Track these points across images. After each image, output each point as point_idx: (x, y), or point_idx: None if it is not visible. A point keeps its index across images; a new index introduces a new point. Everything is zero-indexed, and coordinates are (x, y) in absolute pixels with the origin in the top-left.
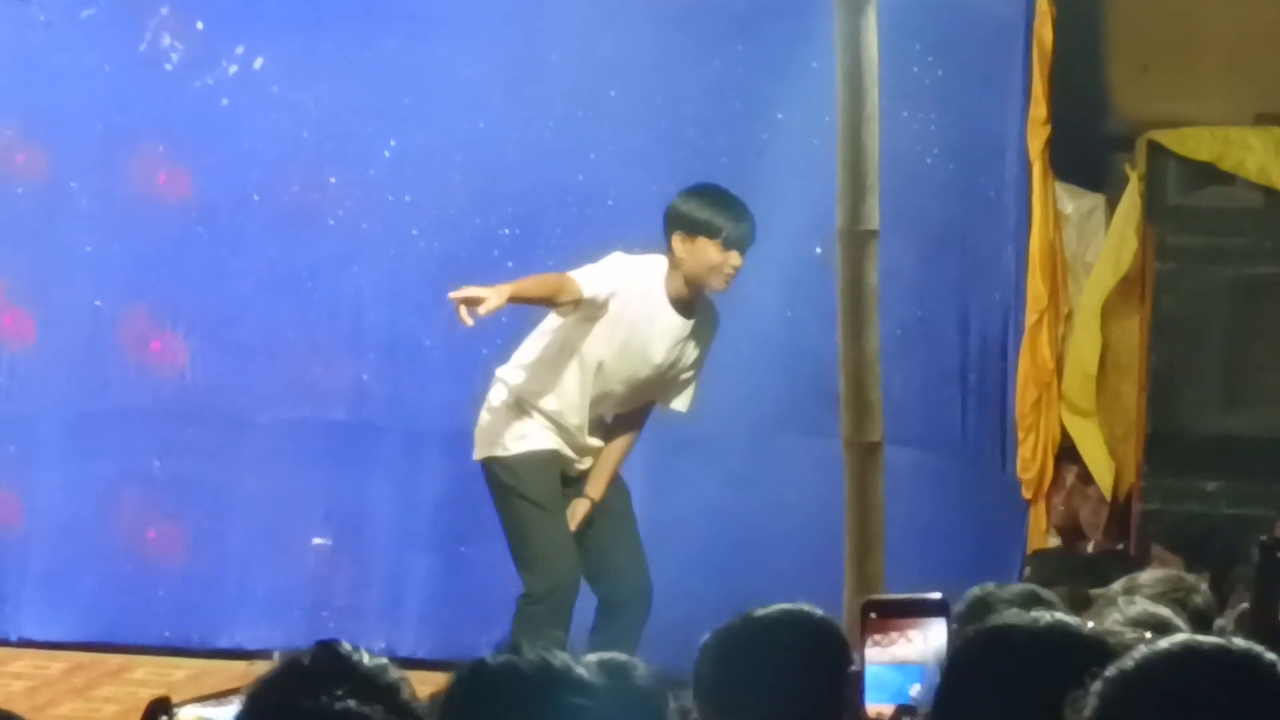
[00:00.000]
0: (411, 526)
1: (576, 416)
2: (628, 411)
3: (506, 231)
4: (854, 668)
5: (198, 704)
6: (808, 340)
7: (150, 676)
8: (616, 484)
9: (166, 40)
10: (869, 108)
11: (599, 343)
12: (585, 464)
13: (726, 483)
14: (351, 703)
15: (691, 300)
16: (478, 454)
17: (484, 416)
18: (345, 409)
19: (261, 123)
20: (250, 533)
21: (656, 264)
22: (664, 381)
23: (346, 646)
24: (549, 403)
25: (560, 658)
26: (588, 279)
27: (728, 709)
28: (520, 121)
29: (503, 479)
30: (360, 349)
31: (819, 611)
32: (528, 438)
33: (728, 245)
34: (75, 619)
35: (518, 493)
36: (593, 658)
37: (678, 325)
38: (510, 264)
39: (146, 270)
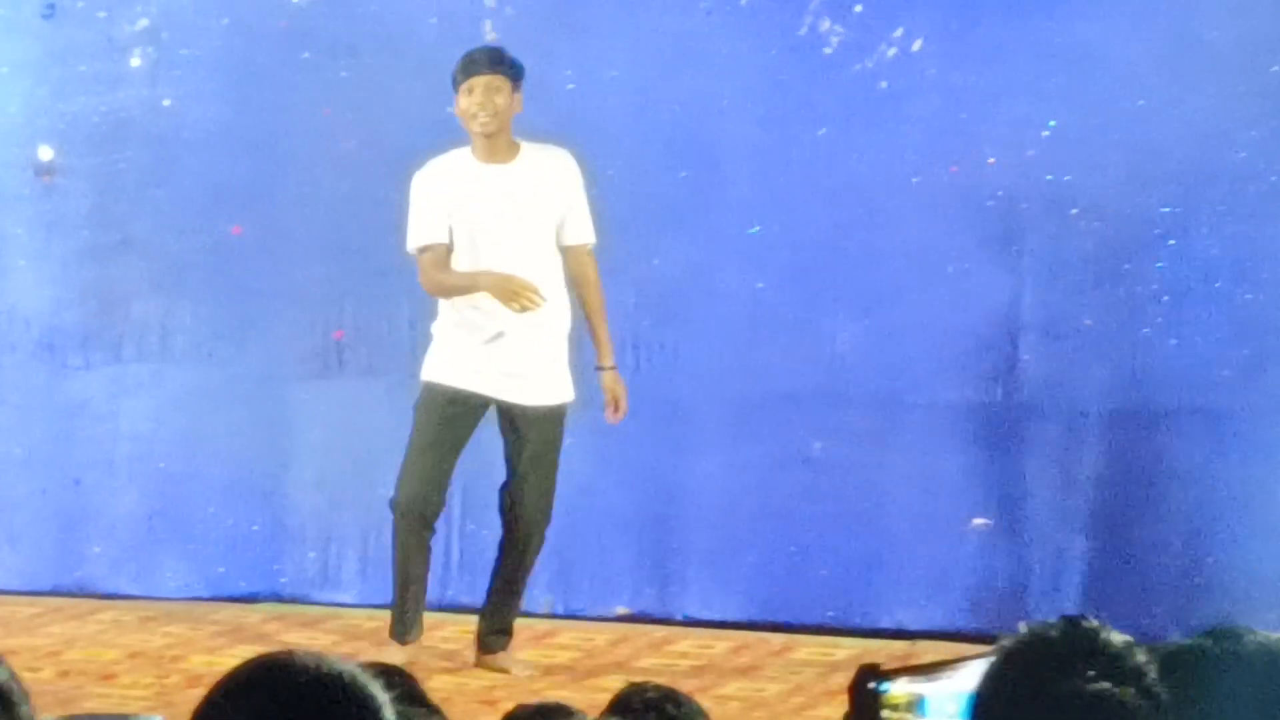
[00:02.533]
0: (1071, 507)
1: (482, 337)
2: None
3: (1166, 210)
4: None
5: (908, 677)
6: None
7: (813, 656)
8: (549, 419)
9: (825, 24)
10: None
11: (460, 246)
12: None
13: None
14: (1105, 684)
15: (503, 149)
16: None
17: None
18: (1004, 390)
19: (919, 105)
20: (909, 513)
21: (433, 168)
22: (535, 223)
23: (1093, 622)
24: (445, 325)
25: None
26: (413, 237)
27: None
28: (1179, 99)
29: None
30: (1017, 329)
31: None
32: (429, 367)
33: (463, 84)
34: (738, 599)
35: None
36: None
37: (495, 172)
38: (1171, 242)
39: (806, 253)
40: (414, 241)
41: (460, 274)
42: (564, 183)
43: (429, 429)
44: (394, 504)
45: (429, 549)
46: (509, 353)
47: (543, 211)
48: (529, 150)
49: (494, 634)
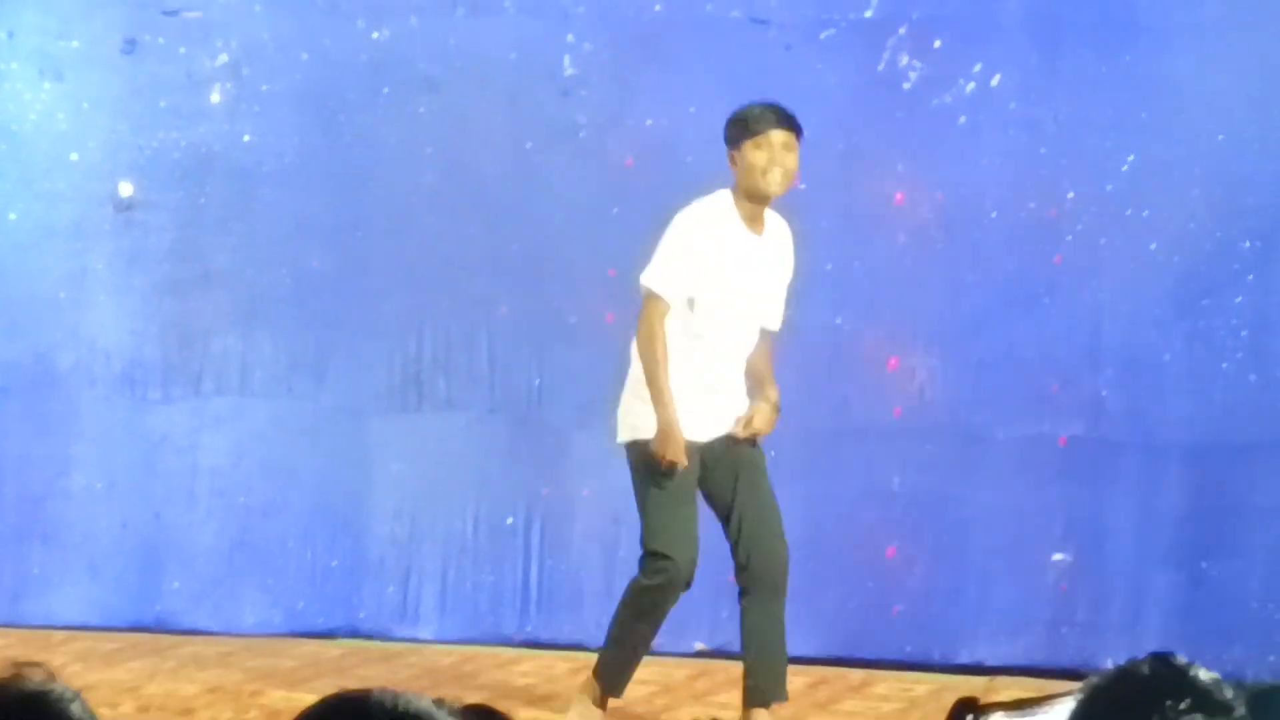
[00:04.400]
0: (1152, 542)
1: (721, 384)
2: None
3: (1247, 244)
4: None
5: (1003, 713)
6: None
7: (892, 692)
8: (757, 445)
9: (905, 59)
10: None
11: (711, 304)
12: (722, 428)
13: None
14: (1198, 716)
15: (760, 216)
16: (623, 437)
17: (630, 402)
18: (1084, 424)
19: (999, 139)
20: (989, 548)
21: (721, 196)
22: (761, 305)
23: (1182, 659)
24: (687, 381)
25: None
26: (661, 285)
27: None
28: (1261, 132)
29: (643, 458)
30: (1098, 364)
31: None
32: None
33: (759, 136)
34: (818, 634)
35: (653, 472)
36: None
37: (754, 243)
38: (1250, 277)
39: (886, 287)
40: (657, 283)
41: (663, 375)
42: (788, 265)
43: (676, 481)
44: (661, 568)
45: None
46: (721, 399)
47: (776, 292)
48: (770, 220)
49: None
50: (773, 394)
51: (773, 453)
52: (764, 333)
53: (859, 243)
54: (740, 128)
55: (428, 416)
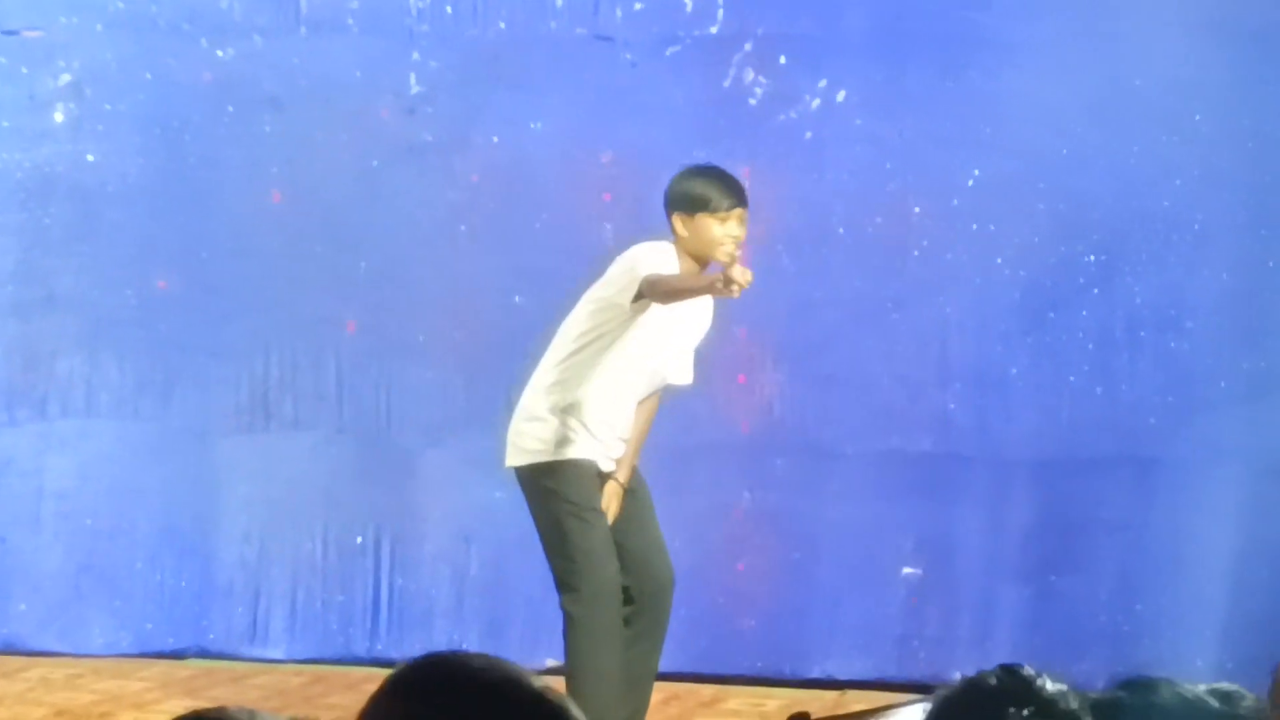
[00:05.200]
0: (1000, 555)
1: (621, 418)
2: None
3: (1091, 258)
4: None
5: None
6: None
7: (743, 707)
8: (637, 474)
9: (750, 76)
10: None
11: (642, 338)
12: (612, 464)
13: None
14: None
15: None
16: (515, 460)
17: (524, 425)
18: (932, 439)
19: (845, 155)
20: (840, 563)
21: (669, 250)
22: (672, 357)
23: (1029, 670)
24: (594, 409)
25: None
26: (651, 266)
27: None
28: (1104, 147)
29: (545, 484)
30: (946, 379)
31: None
32: (571, 445)
33: (721, 213)
34: (669, 649)
35: (561, 497)
36: (1202, 688)
37: (693, 305)
38: (1095, 291)
39: (732, 304)
40: (647, 267)
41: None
42: (707, 325)
43: (586, 497)
44: (595, 593)
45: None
46: (616, 435)
47: (689, 348)
48: None
49: None
50: (622, 475)
51: None
52: (658, 390)
53: None
54: (699, 200)
55: (275, 437)
